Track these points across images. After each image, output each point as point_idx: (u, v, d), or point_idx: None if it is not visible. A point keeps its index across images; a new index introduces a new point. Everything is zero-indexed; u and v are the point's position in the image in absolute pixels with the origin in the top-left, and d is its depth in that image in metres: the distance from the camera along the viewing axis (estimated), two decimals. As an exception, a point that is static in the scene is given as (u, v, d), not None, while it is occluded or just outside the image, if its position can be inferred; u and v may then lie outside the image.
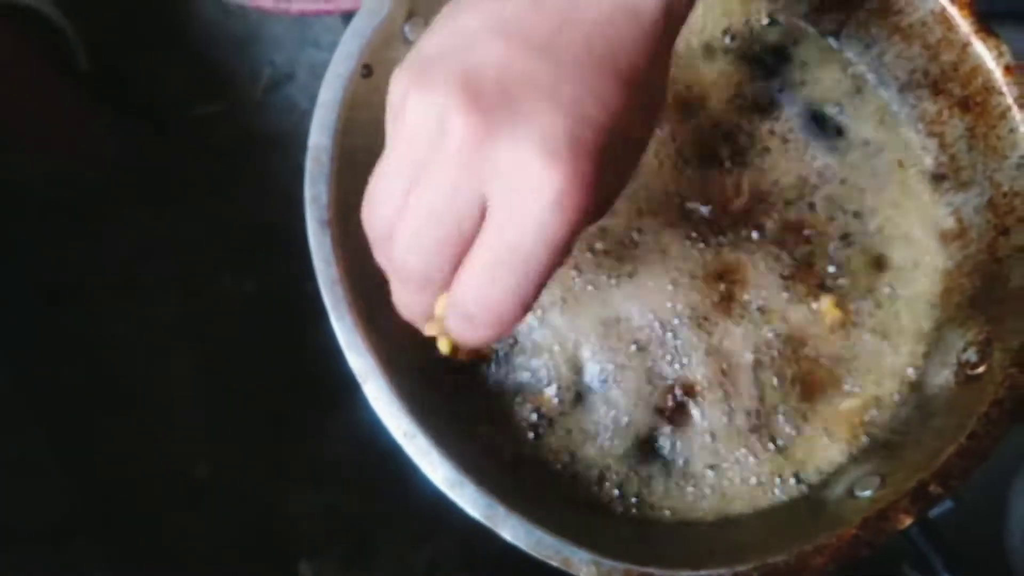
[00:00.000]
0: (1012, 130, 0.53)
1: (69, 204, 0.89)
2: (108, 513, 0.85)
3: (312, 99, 0.95)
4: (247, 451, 0.87)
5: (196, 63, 0.97)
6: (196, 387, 0.88)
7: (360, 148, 0.54)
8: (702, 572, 0.46)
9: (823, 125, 0.61)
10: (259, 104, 0.97)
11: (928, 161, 0.60)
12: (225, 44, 0.98)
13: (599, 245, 0.58)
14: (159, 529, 0.85)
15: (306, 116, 0.95)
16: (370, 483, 0.86)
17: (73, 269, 0.89)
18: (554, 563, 0.46)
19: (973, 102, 0.56)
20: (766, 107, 0.61)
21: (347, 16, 0.82)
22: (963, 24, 0.55)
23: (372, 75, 0.54)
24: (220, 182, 0.93)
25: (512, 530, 0.46)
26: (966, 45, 0.55)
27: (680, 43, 0.59)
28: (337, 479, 0.87)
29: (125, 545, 0.84)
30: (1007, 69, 0.54)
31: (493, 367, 0.56)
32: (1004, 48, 0.54)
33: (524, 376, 0.56)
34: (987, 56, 0.54)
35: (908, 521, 0.46)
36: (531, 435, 0.55)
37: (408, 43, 0.57)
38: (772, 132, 0.61)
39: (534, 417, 0.55)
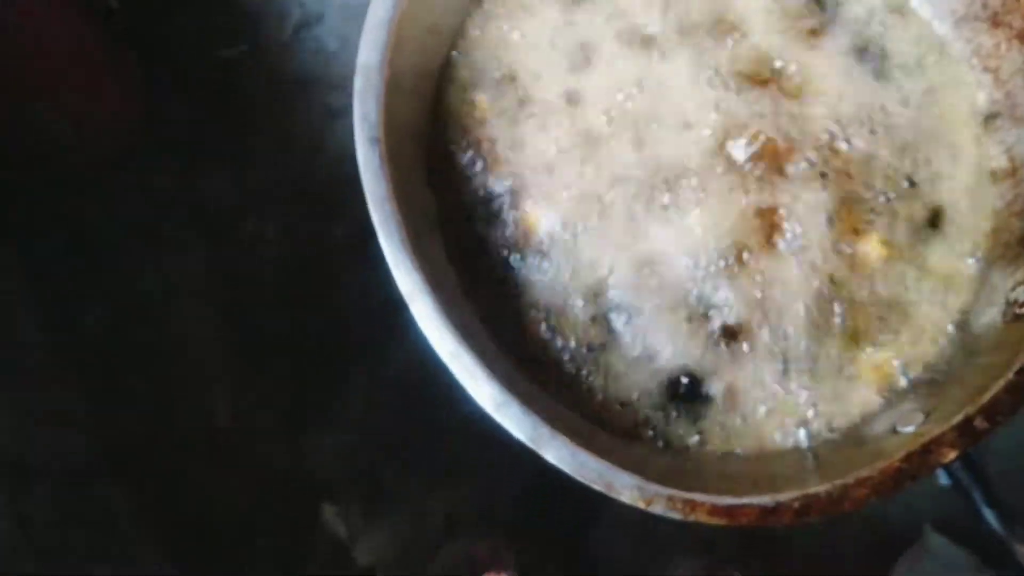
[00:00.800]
0: (1074, 64, 0.52)
1: (95, 151, 0.89)
2: (131, 457, 0.86)
3: (341, 40, 0.94)
4: (268, 399, 0.88)
5: (222, 4, 0.96)
6: (219, 335, 0.89)
7: (407, 70, 0.54)
8: (744, 499, 0.47)
9: (874, 58, 0.60)
10: (286, 46, 0.96)
11: (982, 97, 0.59)
12: (252, -15, 0.97)
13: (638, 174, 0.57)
14: (180, 475, 0.86)
15: (334, 58, 0.95)
16: (390, 430, 0.87)
17: (97, 217, 0.89)
18: (597, 487, 0.47)
19: (1034, 36, 0.55)
20: (816, 36, 0.60)
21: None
22: (1029, -47, 0.53)
23: (422, -6, 0.53)
24: (244, 127, 0.93)
25: (556, 451, 0.47)
26: (1032, -26, 0.54)
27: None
28: (356, 428, 0.87)
29: (148, 488, 0.85)
30: (1073, 0, 0.52)
31: (533, 289, 0.56)
32: (1071, -22, 0.52)
33: (564, 303, 0.56)
34: (1053, -13, 0.53)
35: (953, 455, 0.46)
36: (572, 366, 0.55)
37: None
38: (820, 62, 0.59)
39: (574, 346, 0.55)
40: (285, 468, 0.87)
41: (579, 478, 0.46)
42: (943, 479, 0.64)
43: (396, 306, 0.53)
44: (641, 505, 0.46)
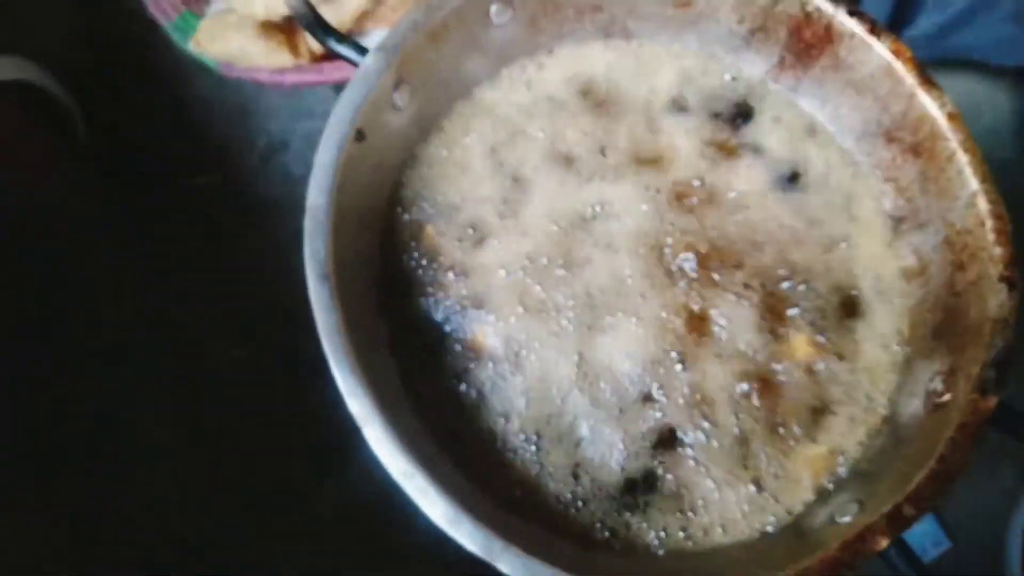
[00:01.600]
0: (959, 172, 0.57)
1: (69, 274, 0.91)
2: None
3: (306, 166, 0.98)
4: (237, 517, 0.88)
5: (194, 135, 1.01)
6: (186, 453, 0.89)
7: (353, 207, 0.58)
8: (693, 598, 0.48)
9: (788, 175, 0.65)
10: (255, 173, 1.00)
11: (887, 204, 0.64)
12: (221, 116, 1.02)
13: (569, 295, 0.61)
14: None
15: (300, 183, 0.99)
16: (354, 555, 0.87)
17: (68, 335, 0.91)
18: (551, 595, 0.48)
19: (923, 148, 0.60)
20: (733, 159, 0.65)
21: (338, 86, 0.86)
22: (907, 77, 0.59)
23: (365, 139, 0.58)
24: (216, 250, 0.96)
25: (509, 563, 0.48)
26: (912, 96, 0.60)
27: (646, 101, 0.64)
28: (327, 543, 0.87)
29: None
30: (950, 116, 0.58)
31: (483, 410, 0.58)
32: (946, 98, 0.58)
33: (519, 418, 0.58)
34: (931, 105, 0.59)
35: (885, 542, 0.49)
36: (526, 474, 0.57)
37: (396, 109, 0.61)
38: (740, 180, 0.65)
39: (527, 456, 0.57)
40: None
41: (533, 588, 0.48)
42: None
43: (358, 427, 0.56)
44: (593, 611, 0.48)
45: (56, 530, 0.85)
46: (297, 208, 0.96)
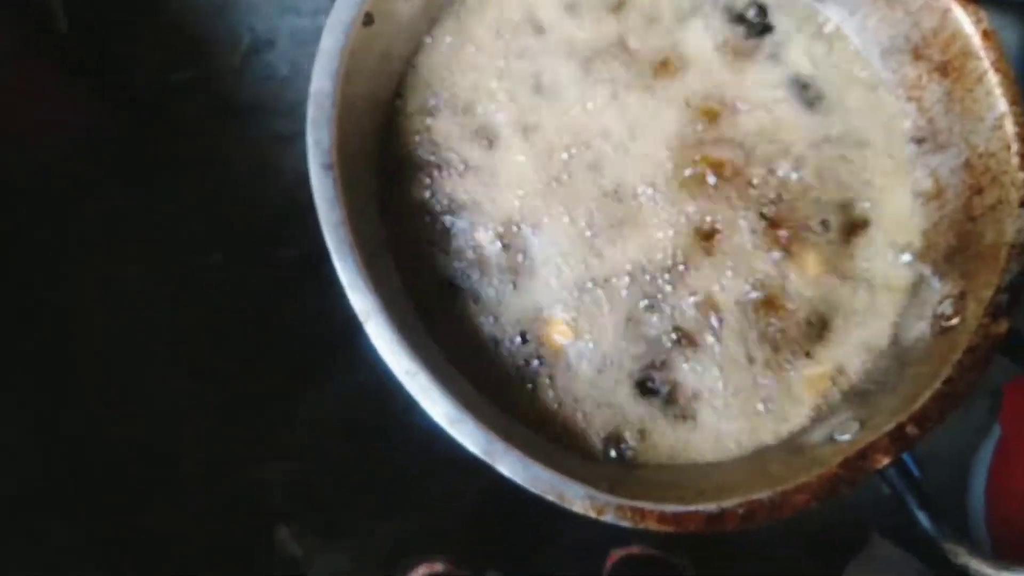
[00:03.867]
0: (988, 93, 0.56)
1: (43, 176, 0.88)
2: (77, 484, 0.85)
3: (292, 66, 0.95)
4: (214, 424, 0.87)
5: (174, 29, 0.96)
6: (166, 361, 0.88)
7: (359, 96, 0.55)
8: (691, 507, 0.48)
9: (806, 88, 0.63)
10: (237, 71, 0.96)
11: (907, 124, 0.62)
12: (204, 10, 0.97)
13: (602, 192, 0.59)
14: (125, 503, 0.85)
15: (285, 84, 0.95)
16: (338, 456, 0.87)
17: (45, 242, 0.88)
18: (549, 497, 0.48)
19: (951, 67, 0.58)
20: (752, 69, 0.63)
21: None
22: (944, -10, 0.57)
23: (373, 23, 0.55)
24: (194, 152, 0.93)
25: (510, 465, 0.48)
26: (946, 11, 0.57)
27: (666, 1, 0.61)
28: (305, 454, 0.88)
29: (90, 518, 0.84)
30: (985, 34, 0.56)
31: (484, 307, 0.57)
32: (982, 14, 0.56)
33: (516, 318, 0.57)
34: (966, 21, 0.56)
35: (886, 460, 0.49)
36: (527, 383, 0.56)
37: (408, -3, 0.57)
38: (759, 91, 0.62)
39: (529, 363, 0.57)
40: (233, 494, 0.87)
41: (532, 489, 0.48)
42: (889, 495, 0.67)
43: (346, 331, 0.54)
44: (592, 514, 0.47)
45: (28, 434, 0.84)
46: (280, 111, 0.93)
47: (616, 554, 0.81)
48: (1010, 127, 0.55)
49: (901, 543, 0.83)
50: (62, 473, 0.85)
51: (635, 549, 0.80)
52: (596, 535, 0.80)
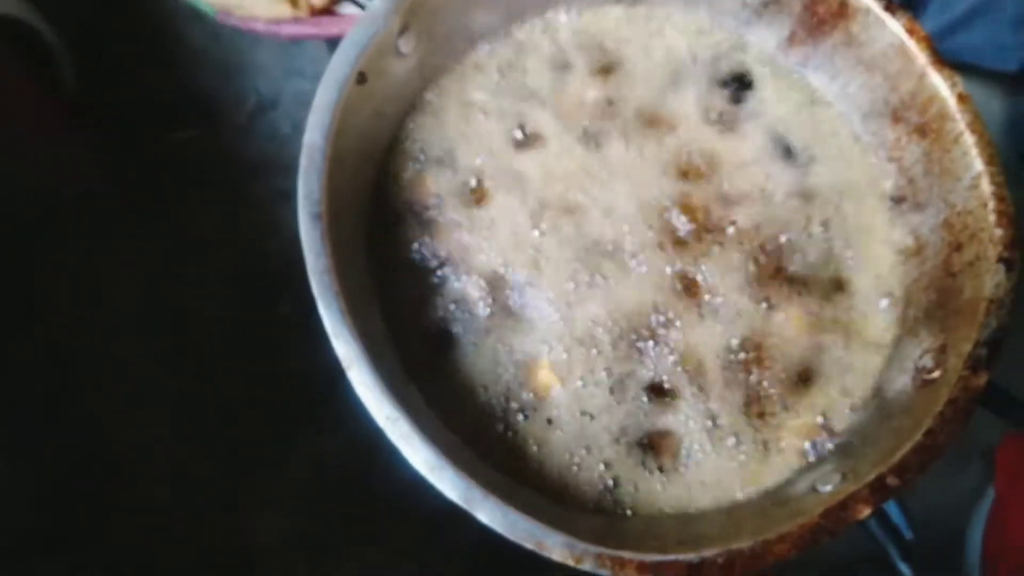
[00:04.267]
0: (964, 153, 0.57)
1: (45, 223, 0.90)
2: (65, 534, 0.85)
3: (294, 126, 0.98)
4: (208, 474, 0.87)
5: (182, 87, 0.99)
6: (161, 408, 0.89)
7: (350, 151, 0.57)
8: (670, 556, 0.48)
9: (789, 149, 0.65)
10: (242, 130, 0.99)
11: (888, 184, 0.63)
12: (211, 70, 1.01)
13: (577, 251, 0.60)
14: (118, 551, 0.85)
15: (288, 142, 0.98)
16: (330, 510, 0.87)
17: (45, 286, 0.90)
18: (528, 545, 0.48)
19: (929, 128, 0.60)
20: (735, 130, 0.65)
21: (333, 43, 0.85)
22: (920, 56, 0.59)
23: (366, 82, 0.57)
24: (198, 204, 0.95)
25: (488, 512, 0.48)
26: (922, 76, 0.59)
27: (653, 67, 0.63)
28: (297, 506, 0.87)
29: (82, 566, 0.84)
30: (960, 97, 0.58)
31: (469, 358, 0.58)
32: (957, 79, 0.58)
33: (500, 369, 0.58)
34: (942, 85, 0.58)
35: (867, 511, 0.49)
36: (511, 432, 0.57)
37: (401, 55, 0.60)
38: (742, 152, 0.64)
39: (513, 413, 0.57)
40: (225, 545, 0.86)
41: (511, 537, 0.48)
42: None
43: (337, 383, 0.54)
44: (571, 563, 0.47)
45: (22, 483, 0.84)
46: (283, 168, 0.96)
47: None
48: (986, 186, 0.56)
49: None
50: (54, 518, 0.85)
51: None
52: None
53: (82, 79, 0.93)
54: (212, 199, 0.95)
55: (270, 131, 0.99)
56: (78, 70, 0.93)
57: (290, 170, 0.94)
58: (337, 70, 0.56)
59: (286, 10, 0.83)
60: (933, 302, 0.58)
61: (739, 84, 0.66)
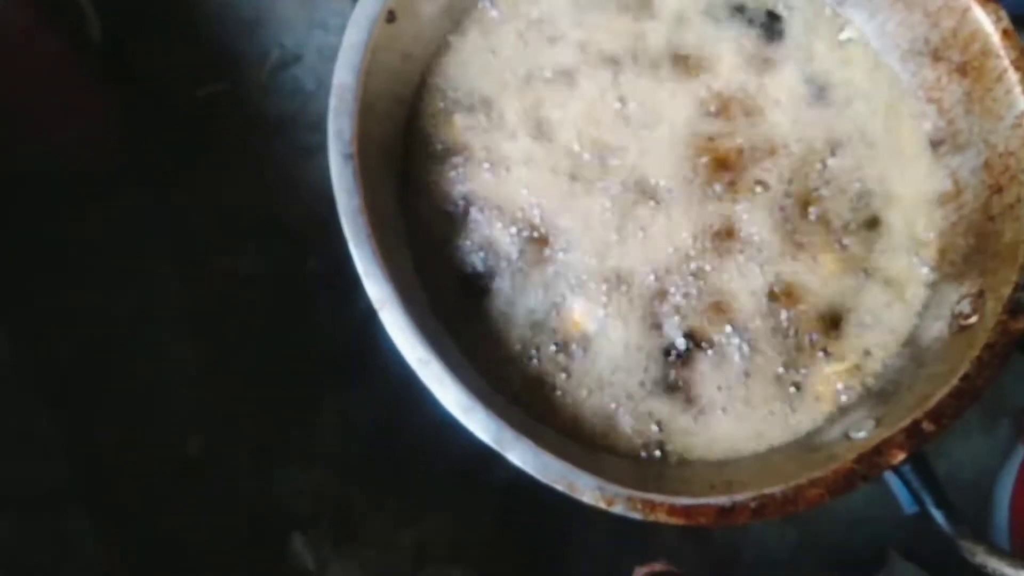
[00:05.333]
0: (1008, 91, 0.55)
1: (73, 181, 0.90)
2: (101, 485, 0.86)
3: (318, 81, 0.97)
4: (239, 430, 0.88)
5: (204, 43, 0.98)
6: (191, 366, 0.89)
7: (380, 92, 0.56)
8: (702, 500, 0.48)
9: (824, 89, 0.63)
10: (265, 85, 0.98)
11: (927, 126, 0.62)
12: (234, 25, 1.00)
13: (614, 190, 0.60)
14: (150, 503, 0.86)
15: (312, 98, 0.97)
16: (357, 466, 0.87)
17: (74, 246, 0.90)
18: (559, 487, 0.48)
19: (971, 67, 0.58)
20: (771, 70, 0.63)
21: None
22: (964, -10, 0.57)
23: (395, 21, 0.56)
24: (222, 163, 0.94)
25: (520, 454, 0.48)
26: (966, 11, 0.57)
27: (685, 3, 0.62)
28: (325, 461, 0.88)
29: (115, 516, 0.85)
30: (1005, 33, 0.56)
31: (501, 302, 0.58)
32: (1002, 13, 0.56)
33: (532, 313, 0.57)
34: (986, 21, 0.56)
35: (901, 456, 0.48)
36: (542, 375, 0.57)
37: (430, -6, 0.59)
38: (778, 92, 0.63)
39: (545, 356, 0.57)
40: (255, 498, 0.87)
41: (542, 479, 0.48)
42: (907, 507, 0.66)
43: (365, 338, 0.54)
44: (602, 505, 0.47)
45: (56, 436, 0.86)
46: (307, 124, 0.95)
47: (640, 571, 0.80)
48: (1030, 125, 0.54)
49: (919, 563, 0.81)
50: (89, 475, 0.86)
51: (657, 566, 0.79)
52: (618, 549, 0.79)
53: (106, 36, 0.92)
54: (236, 156, 0.94)
55: (293, 87, 0.97)
56: (103, 27, 0.92)
57: (314, 126, 0.94)
58: (367, 7, 0.55)
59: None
60: (971, 246, 0.57)
61: (774, 23, 0.64)
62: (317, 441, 0.88)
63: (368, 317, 0.50)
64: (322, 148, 0.53)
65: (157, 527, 0.86)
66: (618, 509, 0.48)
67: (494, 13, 0.64)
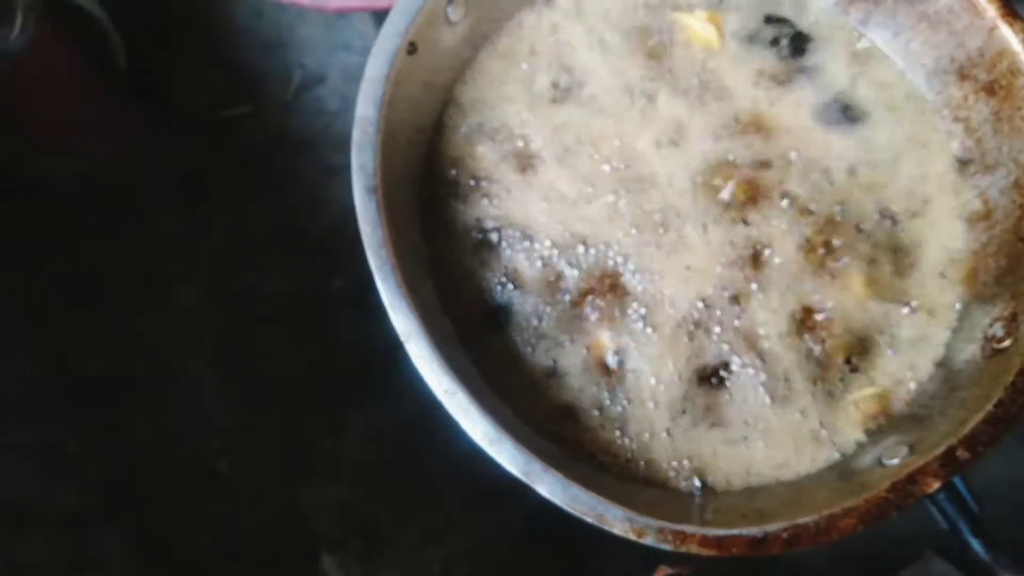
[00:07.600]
0: (1038, 110, 0.55)
1: (99, 202, 0.91)
2: (126, 504, 0.86)
3: (342, 101, 0.97)
4: (265, 447, 0.88)
5: (228, 65, 0.99)
6: (216, 384, 0.90)
7: (402, 124, 0.56)
8: (734, 531, 0.48)
9: (849, 109, 0.63)
10: (288, 106, 0.99)
11: (954, 146, 0.61)
12: (257, 47, 1.00)
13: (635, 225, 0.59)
14: (177, 521, 0.86)
15: (335, 118, 0.98)
16: (384, 482, 0.87)
17: (100, 265, 0.91)
18: (589, 519, 0.48)
19: (998, 85, 0.57)
20: (792, 90, 0.63)
21: (379, 15, 0.84)
22: (989, 9, 0.56)
23: (416, 52, 0.56)
24: (247, 183, 0.95)
25: (549, 486, 0.48)
26: (992, 29, 0.57)
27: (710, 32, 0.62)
28: (352, 476, 0.88)
29: (143, 536, 0.86)
30: (1033, 51, 0.55)
31: (528, 339, 0.57)
32: (1030, 31, 0.55)
33: (559, 343, 0.57)
34: (1013, 40, 0.56)
35: (936, 484, 0.47)
36: (564, 399, 0.56)
37: (450, 23, 0.59)
38: (800, 114, 0.62)
39: (569, 385, 0.57)
40: (282, 515, 0.87)
41: (571, 510, 0.47)
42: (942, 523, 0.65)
43: (391, 357, 0.54)
44: (632, 536, 0.47)
45: (81, 455, 0.86)
46: (330, 144, 0.95)
47: (664, 570, 0.79)
48: (1061, 145, 0.54)
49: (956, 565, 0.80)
50: (116, 495, 0.87)
51: (684, 570, 0.79)
52: (643, 565, 0.78)
53: (132, 62, 0.93)
54: (261, 175, 0.95)
55: (317, 107, 0.98)
56: (128, 53, 0.93)
57: (338, 146, 0.95)
58: (387, 41, 0.55)
59: (332, -18, 0.82)
60: (1003, 268, 0.56)
61: (798, 45, 0.64)
62: (342, 458, 0.89)
63: (392, 342, 0.50)
64: (346, 168, 0.53)
65: (186, 546, 0.86)
66: (648, 540, 0.47)
67: (515, 41, 0.64)
